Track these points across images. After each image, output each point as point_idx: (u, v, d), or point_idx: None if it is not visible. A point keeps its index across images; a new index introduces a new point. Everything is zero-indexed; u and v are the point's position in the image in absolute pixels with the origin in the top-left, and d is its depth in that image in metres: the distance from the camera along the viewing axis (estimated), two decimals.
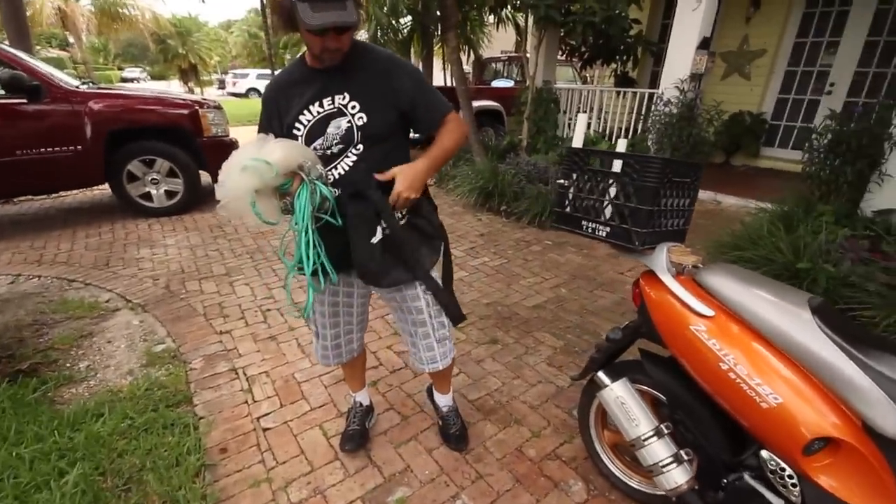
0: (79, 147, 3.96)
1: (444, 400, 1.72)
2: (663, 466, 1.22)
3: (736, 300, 1.10)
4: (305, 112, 1.21)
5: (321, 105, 1.20)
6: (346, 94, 1.19)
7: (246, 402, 1.96)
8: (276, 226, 1.14)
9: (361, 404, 1.74)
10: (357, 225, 1.22)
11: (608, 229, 1.31)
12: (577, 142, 1.37)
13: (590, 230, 1.37)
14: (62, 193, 5.20)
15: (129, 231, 4.13)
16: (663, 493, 1.24)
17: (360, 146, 1.22)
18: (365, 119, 1.20)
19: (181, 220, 4.45)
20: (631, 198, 1.23)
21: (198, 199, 4.66)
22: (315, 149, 1.21)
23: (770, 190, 4.65)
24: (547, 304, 2.75)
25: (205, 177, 4.77)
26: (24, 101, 3.69)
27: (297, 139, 1.22)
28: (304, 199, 1.11)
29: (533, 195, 4.27)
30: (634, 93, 5.62)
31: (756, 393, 1.02)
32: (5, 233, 4.09)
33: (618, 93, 5.95)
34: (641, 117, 5.56)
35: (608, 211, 1.31)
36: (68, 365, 2.23)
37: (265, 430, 1.80)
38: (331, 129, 1.20)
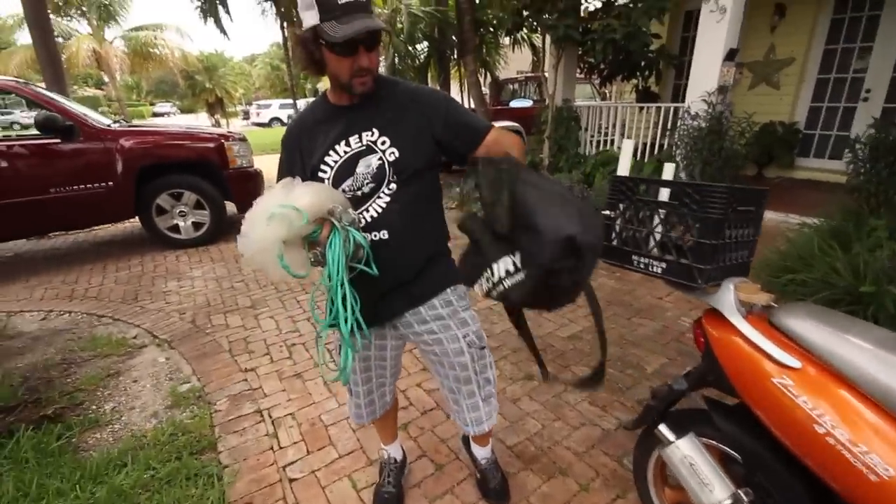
0: (110, 183, 4.06)
1: (482, 452, 1.59)
2: None
3: (827, 349, 0.95)
4: (331, 153, 1.13)
5: (348, 144, 1.12)
6: (373, 129, 1.12)
7: (272, 448, 1.86)
8: (305, 278, 1.05)
9: (396, 460, 1.61)
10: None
11: (664, 265, 1.18)
12: (623, 169, 1.25)
13: (642, 266, 1.25)
14: (94, 227, 5.34)
15: (158, 263, 4.17)
16: None
17: (394, 185, 1.14)
18: (397, 154, 1.11)
19: (207, 251, 4.48)
20: (692, 230, 1.11)
21: (224, 229, 4.70)
22: (344, 191, 1.13)
23: (810, 203, 4.41)
24: (583, 333, 2.60)
25: (230, 207, 4.83)
26: (59, 140, 3.81)
27: (323, 182, 1.14)
28: (338, 249, 1.00)
29: None
30: (658, 108, 5.49)
31: (862, 463, 0.87)
32: (39, 268, 4.19)
33: (640, 108, 5.82)
34: (668, 132, 5.40)
35: (656, 244, 1.19)
36: (94, 408, 2.19)
37: (291, 480, 1.70)
38: (360, 169, 1.12)
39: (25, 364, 2.55)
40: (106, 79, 17.59)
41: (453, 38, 8.71)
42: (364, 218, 1.14)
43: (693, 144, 4.70)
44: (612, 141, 6.14)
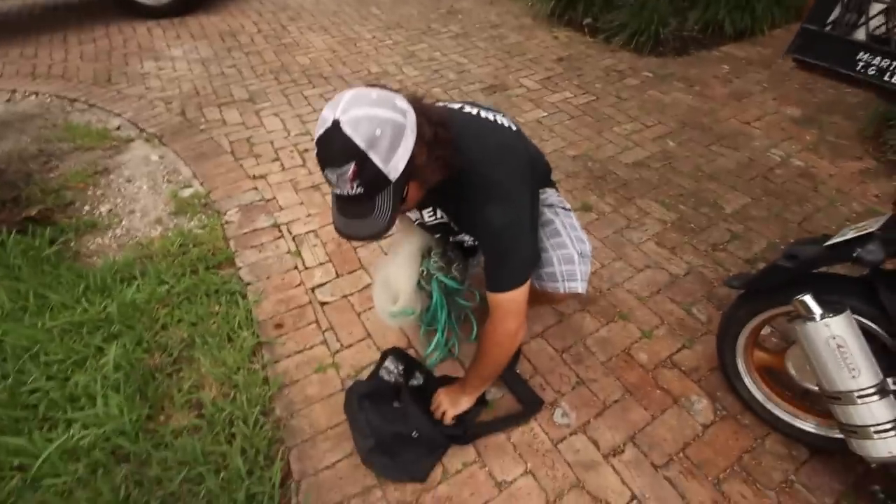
0: None
1: None
2: (877, 431, 0.89)
3: None
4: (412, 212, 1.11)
5: (420, 214, 1.10)
6: (442, 212, 1.07)
7: (296, 267, 1.67)
8: None
9: None
10: None
11: None
12: None
13: (874, 71, 0.76)
14: None
15: (127, 37, 3.41)
16: (856, 453, 0.94)
17: None
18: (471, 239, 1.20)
19: (185, 24, 3.63)
20: None
21: None
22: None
23: None
24: (650, 161, 2.18)
25: None
26: None
27: None
28: (437, 300, 1.23)
29: (631, 4, 3.19)
30: None
31: None
32: None
33: None
34: None
35: None
36: (87, 208, 1.94)
37: (323, 304, 1.55)
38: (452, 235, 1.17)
39: None
40: None
41: None
42: None
43: None
44: None
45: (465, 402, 1.18)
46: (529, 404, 1.25)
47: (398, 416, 1.17)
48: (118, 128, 2.44)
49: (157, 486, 1.11)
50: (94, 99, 2.67)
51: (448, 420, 1.17)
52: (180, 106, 2.58)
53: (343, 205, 0.81)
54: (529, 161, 1.02)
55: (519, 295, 0.95)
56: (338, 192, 0.78)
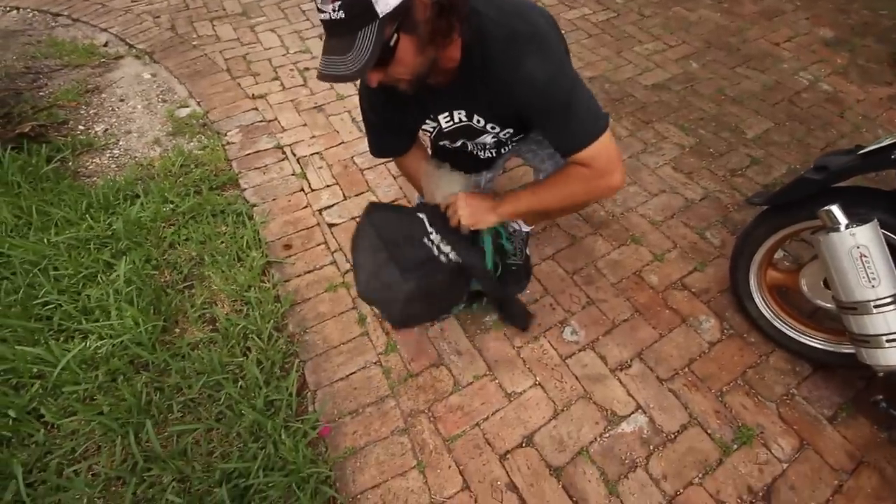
0: None
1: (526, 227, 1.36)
2: (889, 340, 0.90)
3: None
4: (427, 122, 1.04)
5: (436, 121, 1.02)
6: (462, 111, 0.98)
7: (302, 189, 1.63)
8: None
9: None
10: None
11: None
12: None
13: None
14: None
15: None
16: (865, 362, 0.95)
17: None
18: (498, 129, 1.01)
19: None
20: None
21: None
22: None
23: None
24: (671, 83, 2.05)
25: None
26: None
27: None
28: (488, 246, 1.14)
29: None
30: None
31: None
32: None
33: None
34: None
35: None
36: (81, 127, 1.86)
37: (331, 225, 1.52)
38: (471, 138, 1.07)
39: None
40: None
41: None
42: None
43: None
44: None
45: (489, 219, 1.01)
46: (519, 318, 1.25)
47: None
48: (106, 44, 2.30)
49: (177, 392, 1.15)
50: (77, 13, 2.49)
51: (456, 224, 1.02)
52: (170, 20, 2.40)
53: (327, 37, 0.74)
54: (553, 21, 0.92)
55: (607, 141, 0.85)
56: (322, 16, 0.71)
